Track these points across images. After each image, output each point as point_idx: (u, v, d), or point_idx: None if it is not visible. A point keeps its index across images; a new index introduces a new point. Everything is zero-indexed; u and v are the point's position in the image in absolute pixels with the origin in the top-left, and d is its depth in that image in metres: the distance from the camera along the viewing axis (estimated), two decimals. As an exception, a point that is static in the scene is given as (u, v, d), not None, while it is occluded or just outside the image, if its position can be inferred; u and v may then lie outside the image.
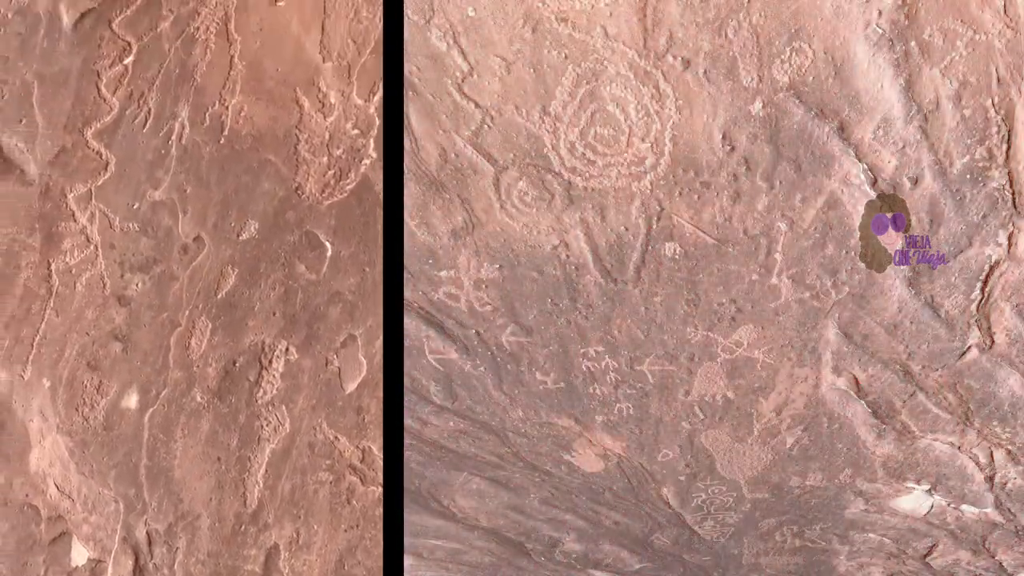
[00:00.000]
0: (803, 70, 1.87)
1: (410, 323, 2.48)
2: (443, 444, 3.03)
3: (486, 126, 2.01)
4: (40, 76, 2.49)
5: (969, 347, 2.38)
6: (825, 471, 2.93)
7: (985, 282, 2.21)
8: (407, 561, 3.85)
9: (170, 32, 2.41)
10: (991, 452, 2.74)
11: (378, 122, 2.22)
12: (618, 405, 2.72)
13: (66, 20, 2.50)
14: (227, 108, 2.32)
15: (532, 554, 3.78)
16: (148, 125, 2.37)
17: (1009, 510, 2.98)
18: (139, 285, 2.32)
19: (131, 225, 2.35)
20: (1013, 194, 2.01)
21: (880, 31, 1.80)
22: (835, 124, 1.95)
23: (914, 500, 3.03)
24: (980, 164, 1.97)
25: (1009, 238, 2.10)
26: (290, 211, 2.29)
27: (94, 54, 2.45)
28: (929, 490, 2.95)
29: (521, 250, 2.25)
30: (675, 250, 2.22)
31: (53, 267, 2.38)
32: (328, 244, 2.24)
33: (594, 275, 2.30)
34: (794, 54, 1.85)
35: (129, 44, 2.43)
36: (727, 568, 3.69)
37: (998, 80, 1.85)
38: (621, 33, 1.85)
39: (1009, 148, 1.94)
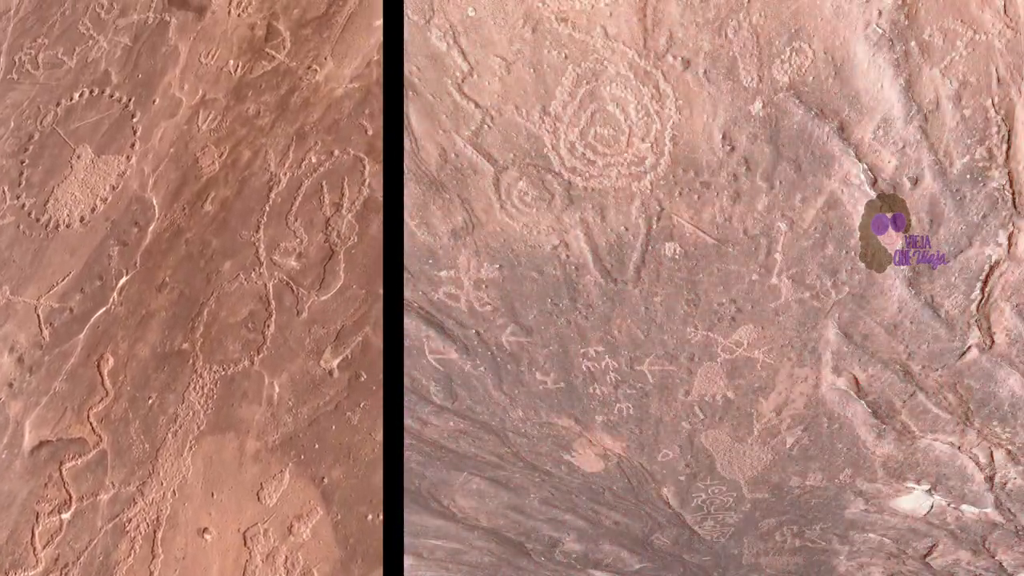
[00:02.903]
0: (803, 70, 1.87)
1: (410, 323, 2.48)
2: (443, 444, 3.03)
3: (486, 126, 2.01)
4: (-9, 491, 2.49)
5: (969, 347, 2.38)
6: (825, 471, 2.93)
7: (985, 282, 2.20)
8: (407, 561, 3.85)
9: (106, 510, 2.38)
10: (991, 452, 2.74)
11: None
12: (618, 405, 2.72)
13: (27, 440, 2.54)
14: None
15: (532, 554, 3.78)
16: None
17: (1009, 510, 2.97)
18: None
19: None
20: (1013, 194, 2.01)
21: (880, 31, 1.80)
22: (835, 124, 1.95)
23: (914, 500, 3.02)
24: (980, 164, 1.97)
25: (1009, 238, 2.10)
26: None
27: (39, 492, 2.45)
28: (929, 490, 2.95)
29: (521, 250, 2.25)
30: (675, 250, 2.22)
31: None
32: None
33: (594, 275, 2.30)
34: (794, 54, 1.85)
35: (70, 497, 2.42)
36: (727, 568, 3.69)
37: (998, 80, 1.84)
38: (621, 33, 1.85)
39: (1009, 148, 1.94)
